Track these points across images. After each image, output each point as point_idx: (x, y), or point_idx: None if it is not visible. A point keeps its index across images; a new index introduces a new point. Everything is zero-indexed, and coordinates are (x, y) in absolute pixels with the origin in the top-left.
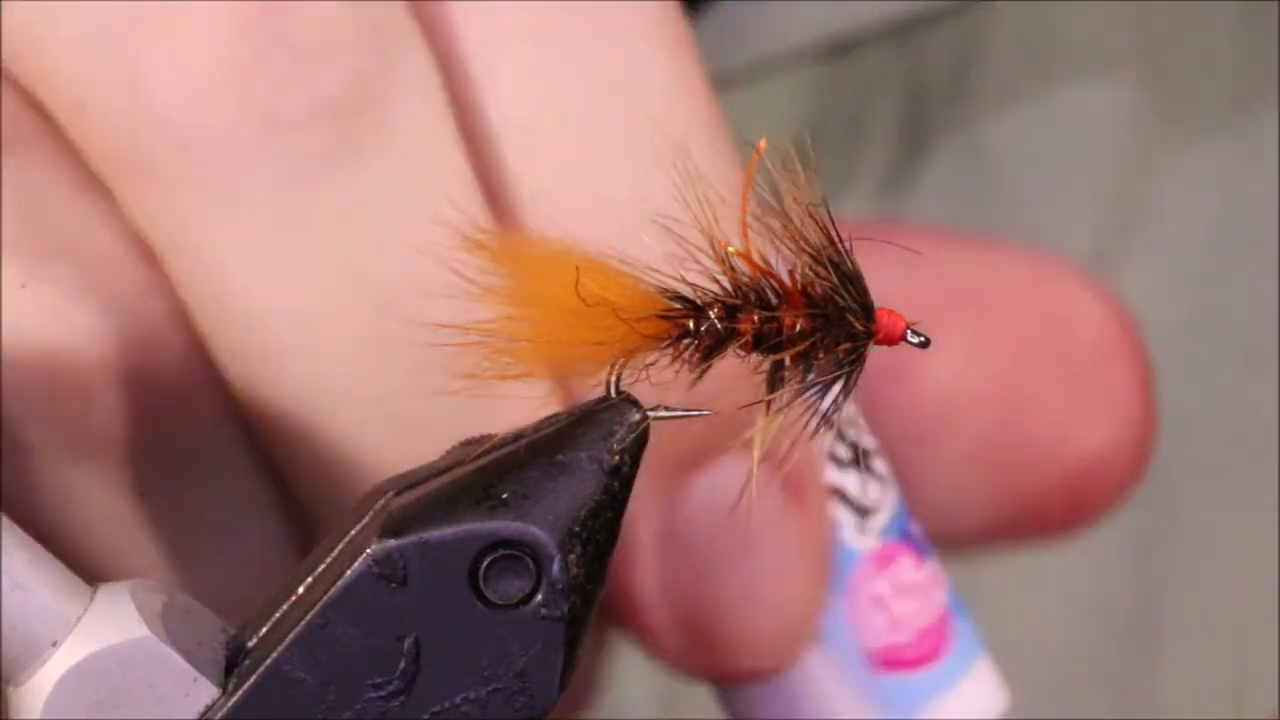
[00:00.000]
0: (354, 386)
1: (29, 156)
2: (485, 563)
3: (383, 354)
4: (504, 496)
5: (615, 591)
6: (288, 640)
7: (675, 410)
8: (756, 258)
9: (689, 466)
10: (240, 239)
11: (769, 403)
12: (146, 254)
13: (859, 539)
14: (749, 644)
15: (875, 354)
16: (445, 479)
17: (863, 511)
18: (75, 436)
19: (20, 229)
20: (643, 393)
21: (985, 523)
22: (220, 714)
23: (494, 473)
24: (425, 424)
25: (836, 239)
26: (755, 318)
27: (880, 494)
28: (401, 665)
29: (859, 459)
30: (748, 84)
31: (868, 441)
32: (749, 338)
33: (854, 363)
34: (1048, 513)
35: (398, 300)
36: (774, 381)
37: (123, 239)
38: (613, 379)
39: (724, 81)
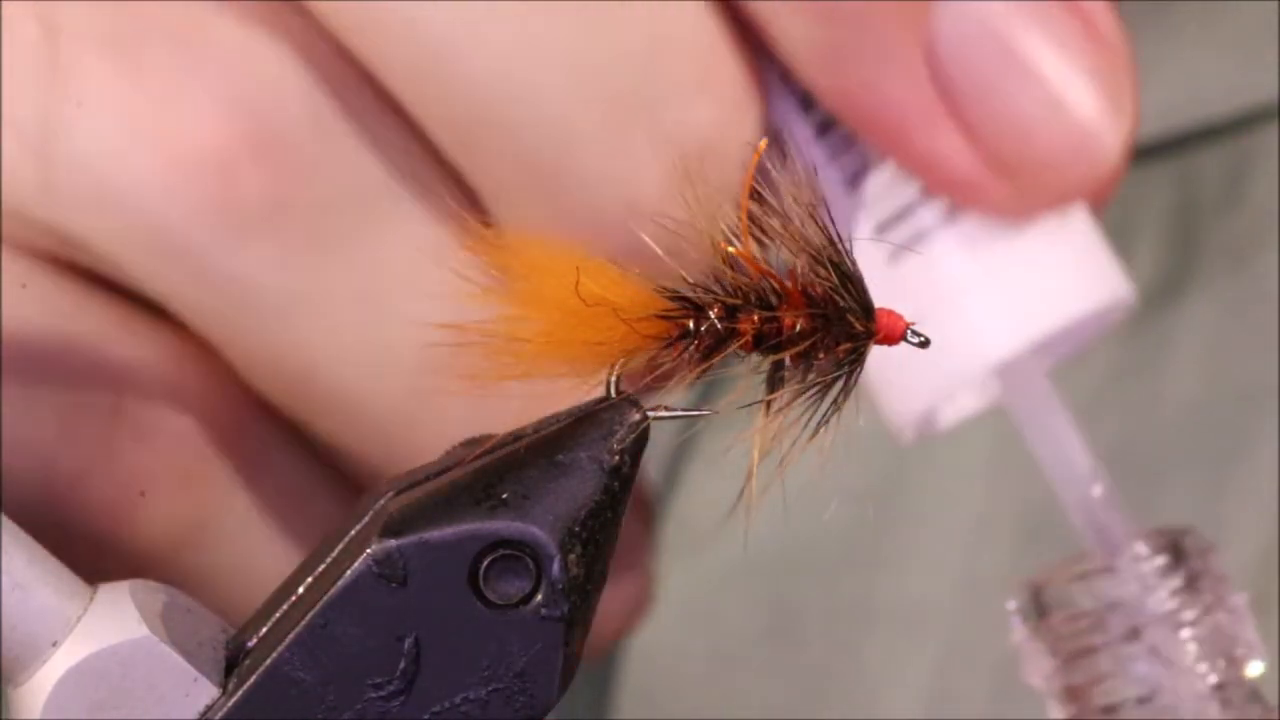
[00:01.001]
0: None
1: None
2: (485, 563)
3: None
4: (504, 496)
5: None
6: (288, 640)
7: (675, 410)
8: (756, 257)
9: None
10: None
11: (769, 403)
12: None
13: None
14: (1044, 165)
15: None
16: (445, 479)
17: None
18: (232, 216)
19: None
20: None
21: None
22: (220, 714)
23: (494, 473)
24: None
25: (836, 239)
26: (755, 318)
27: None
28: (401, 665)
29: None
30: None
31: None
32: (749, 338)
33: (854, 363)
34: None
35: None
36: (774, 381)
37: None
38: (613, 379)
39: None
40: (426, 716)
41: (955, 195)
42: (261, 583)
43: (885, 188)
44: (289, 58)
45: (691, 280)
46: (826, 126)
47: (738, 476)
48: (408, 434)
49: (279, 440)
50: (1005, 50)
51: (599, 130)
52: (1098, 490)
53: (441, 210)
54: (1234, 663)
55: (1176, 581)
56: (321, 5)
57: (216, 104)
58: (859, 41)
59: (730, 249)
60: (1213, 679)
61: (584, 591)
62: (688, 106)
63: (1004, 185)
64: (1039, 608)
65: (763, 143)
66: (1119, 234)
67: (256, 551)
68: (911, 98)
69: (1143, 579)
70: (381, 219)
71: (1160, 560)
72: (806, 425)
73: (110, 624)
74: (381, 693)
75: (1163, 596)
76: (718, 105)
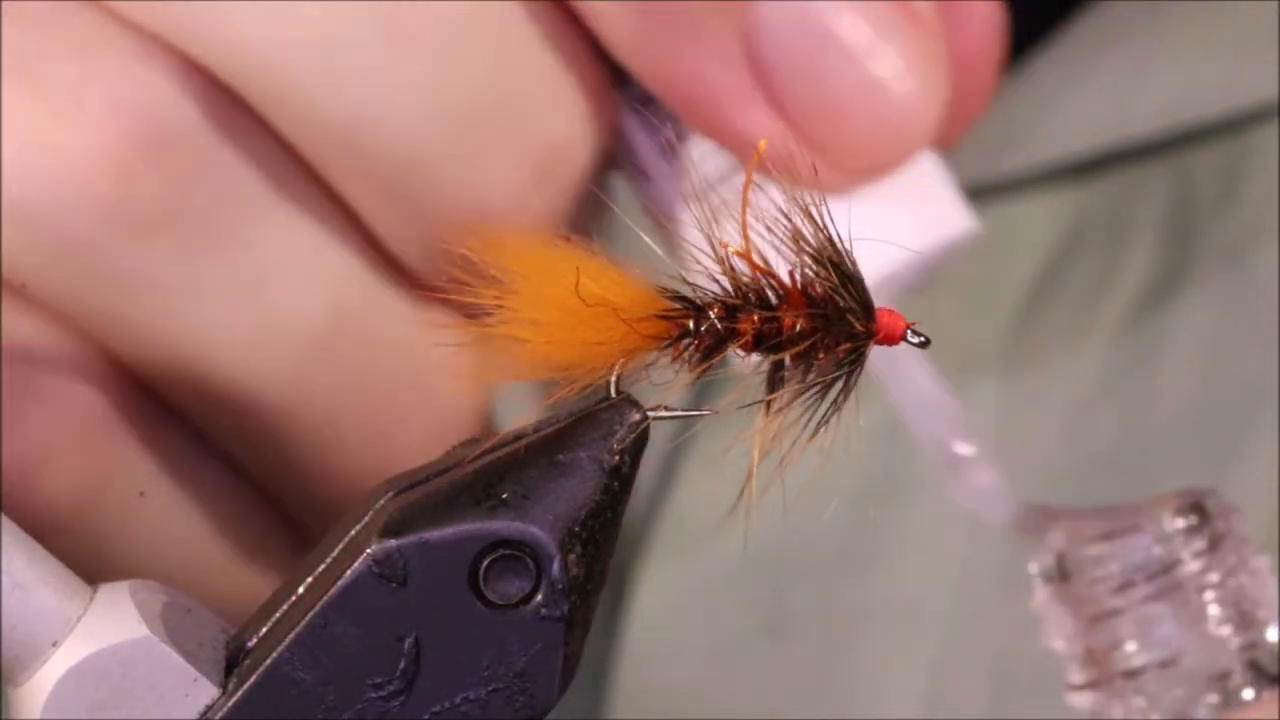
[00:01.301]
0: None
1: None
2: (485, 563)
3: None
4: (504, 496)
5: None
6: (288, 640)
7: (675, 410)
8: (756, 258)
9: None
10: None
11: (769, 403)
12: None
13: None
14: (857, 144)
15: None
16: (445, 479)
17: None
18: (128, 216)
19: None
20: (642, 393)
21: None
22: (220, 714)
23: (494, 473)
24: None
25: (836, 239)
26: (755, 318)
27: None
28: (401, 665)
29: None
30: (1011, 193)
31: None
32: (749, 338)
33: (854, 363)
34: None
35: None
36: (774, 381)
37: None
38: (613, 379)
39: (988, 191)
40: (426, 716)
41: (768, 171)
42: (161, 551)
43: (705, 155)
44: (171, 74)
45: (691, 280)
46: (647, 99)
47: (736, 476)
48: (289, 419)
49: (172, 426)
50: (820, 33)
51: (451, 151)
52: (953, 430)
53: (319, 214)
54: (1255, 625)
55: (1200, 544)
56: (180, 37)
57: (111, 110)
58: (674, 26)
59: (730, 249)
60: (1236, 642)
61: (584, 591)
62: (539, 120)
63: (817, 163)
64: (1061, 570)
65: (763, 143)
66: (1115, 233)
67: (157, 519)
68: (726, 79)
69: (1166, 541)
70: (263, 220)
71: (1183, 522)
72: (806, 425)
73: (110, 624)
74: (381, 693)
75: (1186, 558)
76: (568, 116)
